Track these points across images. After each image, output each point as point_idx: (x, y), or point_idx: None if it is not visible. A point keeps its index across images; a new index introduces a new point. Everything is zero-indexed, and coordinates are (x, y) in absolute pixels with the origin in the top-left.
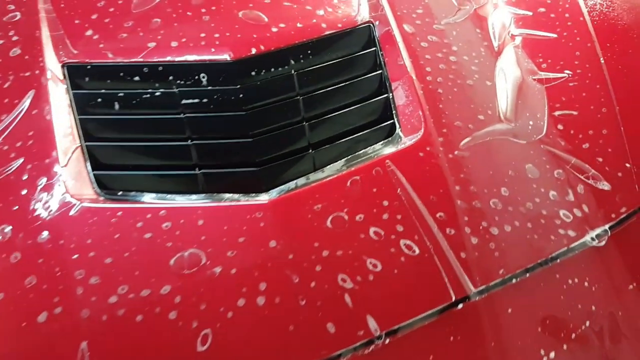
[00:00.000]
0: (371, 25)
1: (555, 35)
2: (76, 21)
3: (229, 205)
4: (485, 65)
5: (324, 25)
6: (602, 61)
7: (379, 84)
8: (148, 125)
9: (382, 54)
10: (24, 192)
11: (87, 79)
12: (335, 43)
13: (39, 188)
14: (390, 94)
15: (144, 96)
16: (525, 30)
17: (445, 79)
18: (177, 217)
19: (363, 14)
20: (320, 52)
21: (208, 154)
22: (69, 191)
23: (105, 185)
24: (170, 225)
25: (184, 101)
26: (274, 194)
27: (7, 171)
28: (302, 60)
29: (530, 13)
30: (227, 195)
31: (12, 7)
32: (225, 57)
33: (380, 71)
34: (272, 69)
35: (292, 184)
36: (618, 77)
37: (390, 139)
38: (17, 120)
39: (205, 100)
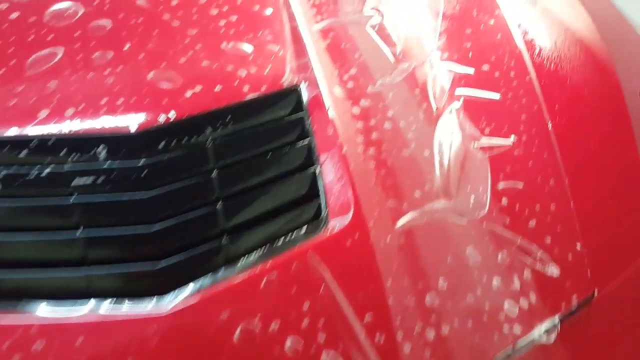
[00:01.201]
0: (299, 88)
1: (499, 97)
2: None
3: (117, 318)
4: (423, 131)
5: (245, 88)
6: (550, 126)
7: (306, 155)
8: (28, 213)
9: (309, 122)
10: None
11: None
12: (258, 108)
13: None
14: (318, 168)
15: (28, 177)
16: (467, 90)
17: (378, 150)
18: (53, 334)
19: (290, 75)
20: (240, 119)
21: (99, 248)
22: None
23: None
24: (42, 345)
25: (75, 182)
26: (174, 299)
27: None
28: (219, 129)
29: (473, 71)
30: (117, 304)
31: None
32: (129, 126)
33: (307, 141)
34: (184, 140)
35: (198, 284)
36: (567, 145)
37: (315, 222)
38: None
39: (101, 179)
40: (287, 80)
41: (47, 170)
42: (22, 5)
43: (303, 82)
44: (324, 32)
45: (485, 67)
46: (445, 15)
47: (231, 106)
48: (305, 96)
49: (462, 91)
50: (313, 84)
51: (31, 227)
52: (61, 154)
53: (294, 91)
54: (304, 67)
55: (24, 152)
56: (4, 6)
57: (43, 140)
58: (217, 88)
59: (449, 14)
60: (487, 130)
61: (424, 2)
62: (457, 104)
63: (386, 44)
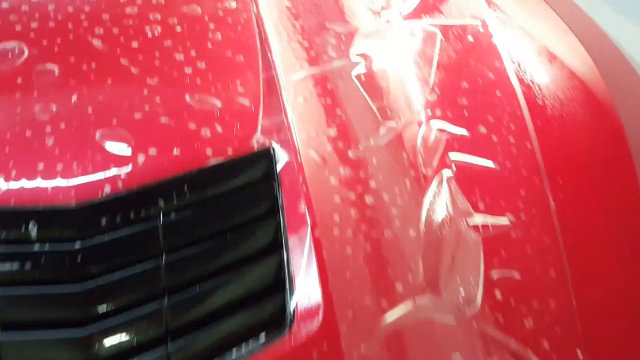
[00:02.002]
0: (271, 151)
1: (496, 166)
2: None
3: None
4: (409, 206)
5: (209, 152)
6: (553, 205)
7: (273, 237)
8: None
9: (280, 194)
10: None
11: None
12: (221, 176)
13: None
14: (285, 254)
15: None
16: (461, 155)
17: (357, 231)
18: None
19: (261, 137)
20: (199, 189)
21: (16, 351)
22: None
23: None
24: None
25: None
26: None
27: None
28: (174, 202)
29: (468, 133)
30: None
31: None
32: (66, 199)
33: (275, 219)
34: (132, 215)
35: None
36: (572, 229)
37: (276, 327)
38: None
39: (27, 265)
40: (257, 142)
41: None
42: None
43: (275, 145)
44: (304, 83)
45: (482, 129)
46: (439, 64)
47: (190, 174)
48: (277, 162)
49: (454, 157)
50: (287, 147)
51: None
52: None
53: (264, 156)
54: (277, 127)
55: None
56: None
57: None
58: (175, 151)
59: (443, 62)
60: (481, 206)
61: (416, 47)
62: (449, 172)
63: (372, 98)
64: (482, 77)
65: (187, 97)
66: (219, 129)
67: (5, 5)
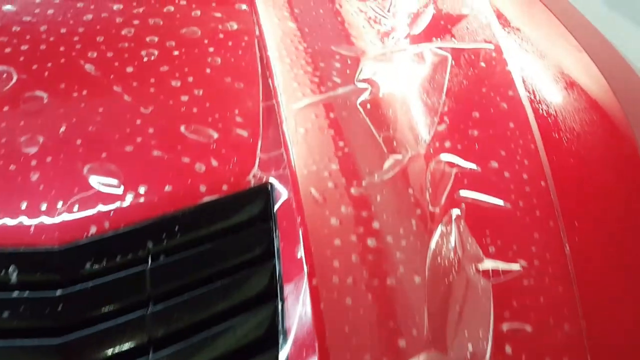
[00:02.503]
0: (268, 189)
1: (508, 205)
2: None
3: None
4: (415, 249)
5: (202, 188)
6: (568, 251)
7: (267, 284)
8: None
9: (277, 236)
10: None
11: None
12: (215, 215)
13: None
14: (280, 304)
15: None
16: (471, 193)
17: (357, 279)
18: None
19: (259, 172)
20: (191, 229)
21: None
22: None
23: None
24: None
25: None
26: None
27: None
28: (163, 243)
29: (478, 168)
30: None
31: None
32: (49, 241)
33: (271, 264)
34: (118, 258)
35: None
36: (588, 278)
37: None
38: None
39: (4, 314)
40: (254, 177)
41: None
42: None
43: (274, 180)
44: (306, 112)
45: (494, 164)
46: (449, 91)
47: (181, 213)
48: (274, 201)
49: (464, 194)
50: (286, 183)
51: None
52: None
53: (261, 193)
54: (276, 161)
55: None
56: None
57: None
58: (167, 188)
59: (454, 90)
60: (491, 250)
61: (426, 73)
62: (458, 211)
63: (378, 128)
64: (494, 106)
65: (182, 128)
66: (214, 163)
67: None
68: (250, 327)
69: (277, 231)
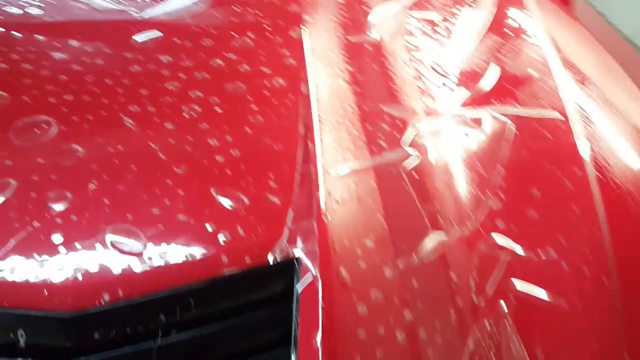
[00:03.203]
0: (293, 265)
1: (564, 304)
2: None
3: None
4: (450, 348)
5: (224, 259)
6: None
7: None
8: None
9: (297, 323)
10: None
11: None
12: (233, 291)
13: None
14: None
15: None
16: (523, 285)
17: None
18: None
19: (285, 245)
20: (206, 304)
21: None
22: None
23: None
24: None
25: None
26: None
27: None
28: (175, 316)
29: (533, 255)
30: None
31: None
32: (62, 305)
33: (287, 352)
34: (128, 331)
35: None
36: None
37: None
38: None
39: None
40: (280, 251)
41: None
42: None
43: (301, 255)
44: (345, 180)
45: (552, 253)
46: (507, 164)
47: (198, 285)
48: (299, 279)
49: (515, 285)
50: (313, 259)
51: None
52: None
53: (285, 270)
54: (306, 233)
55: None
56: None
57: None
58: (187, 256)
59: (513, 162)
60: (540, 356)
61: (482, 140)
62: (505, 306)
63: (422, 200)
64: (557, 185)
65: (213, 191)
66: (240, 231)
67: (45, 72)
68: None
69: (298, 314)
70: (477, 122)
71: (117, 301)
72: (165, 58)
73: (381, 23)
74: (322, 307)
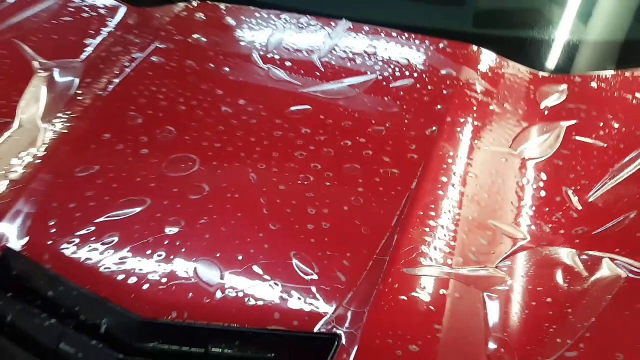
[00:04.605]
0: (334, 343)
1: None
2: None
3: None
4: None
5: (276, 316)
6: None
7: None
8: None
9: None
10: None
11: None
12: (275, 347)
13: None
14: None
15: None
16: None
17: None
18: None
19: (333, 322)
20: (249, 348)
21: None
22: None
23: None
24: None
25: (61, 345)
26: None
27: None
28: (221, 349)
29: None
30: None
31: None
32: (140, 310)
33: None
34: (178, 348)
35: None
36: None
37: None
38: None
39: (79, 354)
40: (326, 326)
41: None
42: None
43: (343, 337)
44: (415, 281)
45: None
46: (601, 317)
47: (247, 330)
48: (334, 356)
49: None
50: (352, 344)
51: None
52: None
53: (324, 344)
54: (356, 319)
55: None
56: None
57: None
58: (248, 301)
59: (607, 318)
60: None
61: (585, 285)
62: None
63: (494, 329)
64: None
65: (292, 254)
66: (299, 296)
67: (210, 121)
68: None
69: None
70: (590, 265)
71: (180, 321)
72: (305, 130)
73: (527, 140)
74: None
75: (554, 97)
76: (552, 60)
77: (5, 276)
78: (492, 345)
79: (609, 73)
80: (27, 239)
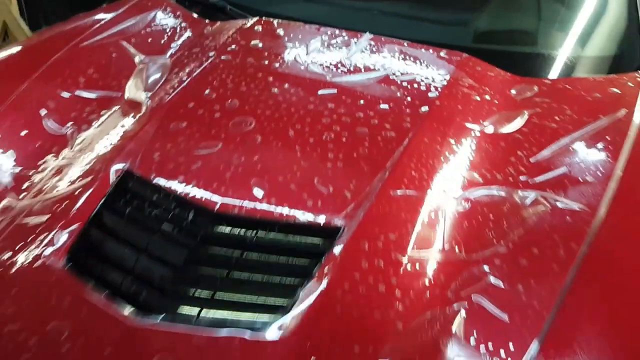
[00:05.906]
0: (339, 230)
1: None
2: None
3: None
4: None
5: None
6: None
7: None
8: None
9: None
10: None
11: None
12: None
13: None
14: None
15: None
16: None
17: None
18: None
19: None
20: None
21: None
22: None
23: None
24: None
25: (164, 225)
26: None
27: None
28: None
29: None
30: None
31: None
32: (212, 205)
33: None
34: (251, 233)
35: None
36: None
37: None
38: None
39: (169, 228)
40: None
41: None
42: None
43: (345, 227)
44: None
45: (520, 289)
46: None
47: (278, 221)
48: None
49: None
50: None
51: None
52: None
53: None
54: (351, 219)
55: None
56: None
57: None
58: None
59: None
60: None
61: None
62: None
63: None
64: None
65: (315, 180)
66: (319, 204)
67: (263, 96)
68: None
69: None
70: (524, 198)
71: (245, 213)
72: (330, 105)
73: (497, 120)
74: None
75: (526, 94)
76: (530, 67)
77: (124, 189)
78: (447, 246)
79: (572, 78)
80: (139, 165)
